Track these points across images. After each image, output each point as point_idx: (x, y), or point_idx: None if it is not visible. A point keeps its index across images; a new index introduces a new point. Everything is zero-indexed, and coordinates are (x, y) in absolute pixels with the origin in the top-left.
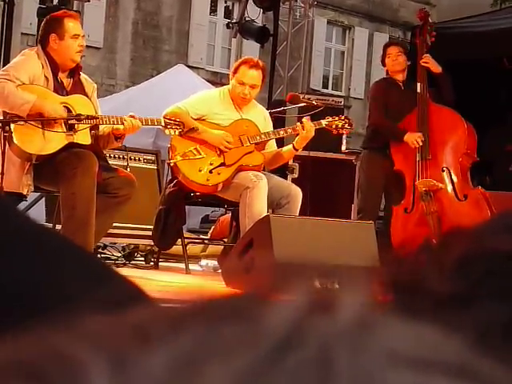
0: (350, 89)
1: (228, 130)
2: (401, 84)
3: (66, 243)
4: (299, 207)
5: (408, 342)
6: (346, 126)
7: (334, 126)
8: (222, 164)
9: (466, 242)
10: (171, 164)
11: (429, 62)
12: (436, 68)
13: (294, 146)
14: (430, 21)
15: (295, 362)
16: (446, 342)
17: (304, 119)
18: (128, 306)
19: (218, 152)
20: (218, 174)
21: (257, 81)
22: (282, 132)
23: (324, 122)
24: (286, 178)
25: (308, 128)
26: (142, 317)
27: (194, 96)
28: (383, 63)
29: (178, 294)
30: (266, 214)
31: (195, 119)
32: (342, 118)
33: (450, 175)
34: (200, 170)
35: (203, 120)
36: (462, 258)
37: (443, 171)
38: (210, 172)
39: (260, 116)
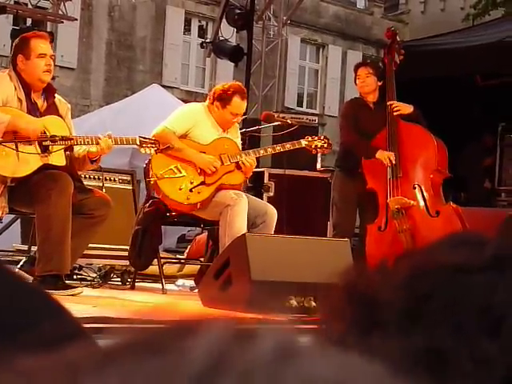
0: (324, 107)
1: (208, 148)
2: (371, 105)
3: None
4: (274, 227)
5: (327, 368)
6: (326, 146)
7: (313, 146)
8: (203, 183)
9: (417, 257)
10: (151, 182)
11: (400, 109)
12: (407, 109)
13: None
14: (398, 39)
15: None
16: (367, 369)
17: (244, 158)
18: (70, 341)
19: (199, 171)
20: (198, 192)
21: (245, 109)
22: (261, 151)
23: (303, 142)
24: (261, 197)
25: (247, 165)
26: (74, 355)
27: (177, 112)
28: (356, 83)
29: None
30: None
31: (180, 135)
32: (322, 138)
33: (422, 192)
34: (180, 189)
35: (186, 136)
36: (413, 272)
37: (414, 188)
38: (191, 191)
39: (237, 134)
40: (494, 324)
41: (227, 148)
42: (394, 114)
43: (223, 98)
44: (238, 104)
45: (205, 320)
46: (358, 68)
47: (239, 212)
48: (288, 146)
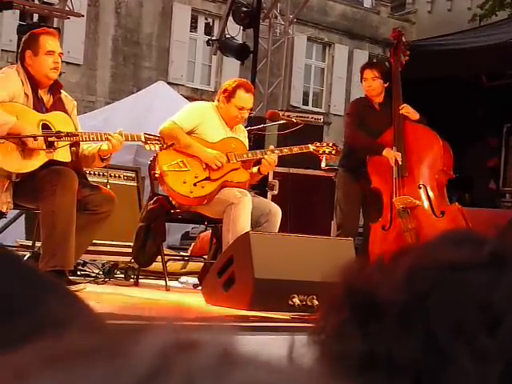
0: (330, 105)
1: (216, 146)
2: (377, 106)
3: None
4: (278, 225)
5: (269, 375)
6: (334, 152)
7: (320, 152)
8: (207, 178)
9: (416, 255)
10: (156, 175)
11: (409, 112)
12: (414, 115)
13: (259, 170)
14: (404, 40)
15: None
16: (302, 374)
17: (268, 155)
18: (65, 324)
19: (204, 166)
20: (202, 187)
21: (252, 103)
22: (269, 152)
23: (312, 147)
24: (265, 195)
25: (271, 162)
26: (25, 357)
27: (186, 109)
28: (362, 82)
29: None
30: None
31: (187, 132)
32: (330, 144)
33: (427, 192)
34: (184, 182)
35: (193, 133)
36: (412, 269)
37: (420, 188)
38: (194, 185)
39: (243, 134)
40: (493, 321)
41: (234, 147)
42: (402, 113)
43: (228, 92)
44: (243, 97)
45: (152, 324)
46: (364, 70)
47: (243, 210)
48: (296, 149)
